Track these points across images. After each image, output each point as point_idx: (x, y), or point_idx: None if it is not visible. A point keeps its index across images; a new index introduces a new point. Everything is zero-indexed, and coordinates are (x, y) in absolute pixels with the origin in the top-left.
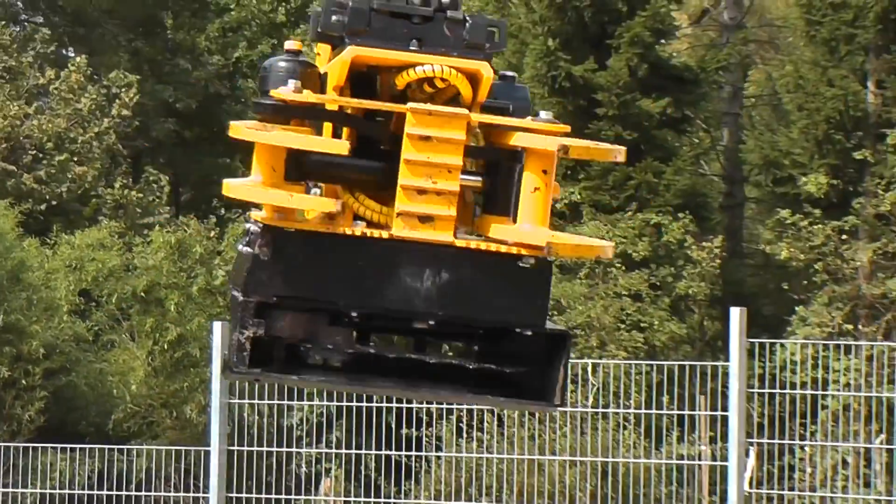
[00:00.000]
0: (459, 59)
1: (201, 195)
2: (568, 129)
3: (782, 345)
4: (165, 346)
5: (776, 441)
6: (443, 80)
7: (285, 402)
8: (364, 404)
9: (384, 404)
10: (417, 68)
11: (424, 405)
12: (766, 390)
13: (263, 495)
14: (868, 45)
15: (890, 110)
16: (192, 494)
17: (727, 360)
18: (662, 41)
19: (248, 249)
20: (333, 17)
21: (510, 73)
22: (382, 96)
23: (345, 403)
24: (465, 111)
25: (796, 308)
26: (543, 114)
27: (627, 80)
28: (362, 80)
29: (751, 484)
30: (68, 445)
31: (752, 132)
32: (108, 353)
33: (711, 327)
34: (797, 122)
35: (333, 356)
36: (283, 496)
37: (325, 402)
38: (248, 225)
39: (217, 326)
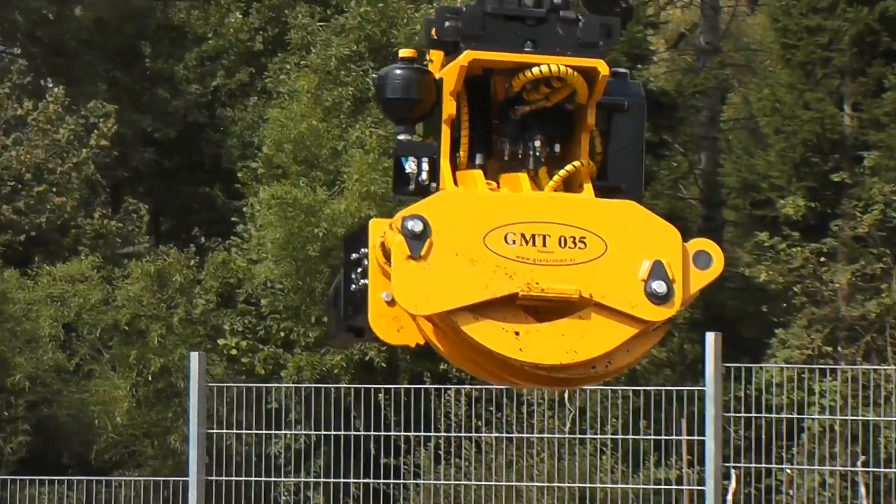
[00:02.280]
0: (575, 58)
1: (181, 224)
2: None
3: (762, 368)
4: (150, 378)
5: (756, 465)
6: (559, 79)
7: (264, 431)
8: (343, 433)
9: (363, 433)
10: (534, 68)
11: (402, 433)
12: (745, 414)
13: None
14: (844, 69)
15: (866, 132)
16: None
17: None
18: (640, 66)
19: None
20: (447, 23)
21: (622, 70)
22: (497, 99)
23: (324, 432)
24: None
25: (776, 331)
26: None
27: None
28: (477, 84)
29: None
30: (51, 478)
31: (729, 156)
32: (89, 383)
33: (692, 351)
34: (774, 146)
35: None
36: None
37: (306, 432)
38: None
39: (194, 357)
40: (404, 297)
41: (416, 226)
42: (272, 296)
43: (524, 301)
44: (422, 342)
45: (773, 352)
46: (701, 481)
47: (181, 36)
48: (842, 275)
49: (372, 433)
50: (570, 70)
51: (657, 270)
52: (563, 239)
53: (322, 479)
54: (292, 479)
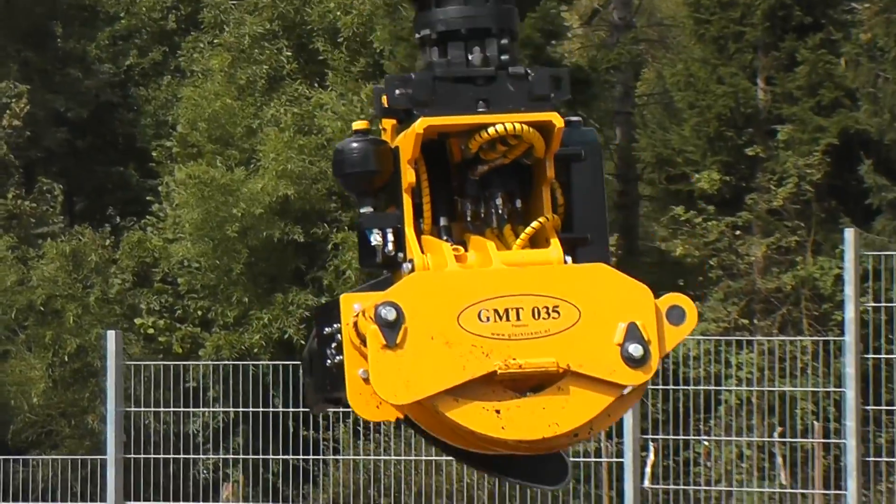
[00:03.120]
0: (528, 114)
1: (95, 204)
2: None
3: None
4: (66, 358)
5: (674, 436)
6: (515, 136)
7: (182, 408)
8: (262, 409)
9: (281, 409)
10: (489, 128)
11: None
12: (662, 387)
13: (162, 503)
14: (756, 43)
15: (780, 106)
16: (89, 503)
17: None
18: (553, 42)
19: None
20: (398, 91)
21: (574, 118)
22: (455, 162)
23: (242, 409)
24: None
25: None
26: None
27: None
28: (434, 148)
29: (651, 479)
30: None
31: (644, 131)
32: (5, 364)
33: None
34: (689, 120)
35: None
36: (183, 502)
37: (224, 409)
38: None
39: (111, 335)
40: (383, 387)
41: (390, 314)
42: (189, 275)
43: (503, 377)
44: (401, 416)
45: None
46: (619, 454)
47: (93, 16)
48: (757, 248)
49: (291, 409)
50: (524, 126)
51: (632, 333)
52: (536, 310)
53: (241, 456)
54: (211, 457)
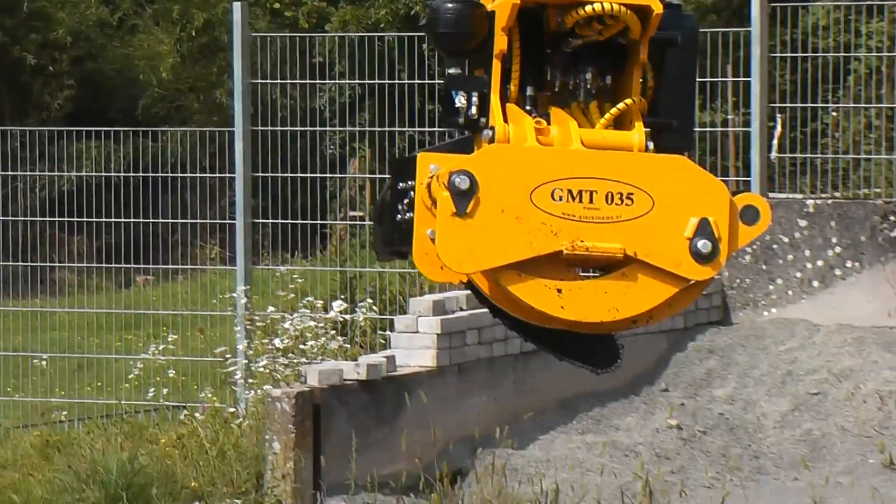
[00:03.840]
0: None
1: None
2: None
3: (808, 9)
4: (193, 33)
5: (802, 105)
6: (613, 16)
7: (308, 81)
8: (388, 82)
9: (407, 82)
10: (587, 6)
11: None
12: (790, 54)
13: (290, 174)
14: None
15: None
16: (218, 175)
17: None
18: None
19: None
20: None
21: (675, 2)
22: (549, 31)
23: (369, 82)
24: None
25: None
26: None
27: None
28: (529, 17)
29: (779, 149)
30: (98, 129)
31: None
32: (133, 38)
33: None
34: None
35: None
36: (310, 174)
37: (350, 82)
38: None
39: (237, 7)
40: (447, 254)
41: (463, 182)
42: None
43: (568, 258)
44: (464, 280)
45: None
46: (746, 123)
47: None
48: None
49: (416, 82)
50: (623, 7)
51: (703, 228)
52: (609, 195)
53: (367, 128)
54: (338, 128)
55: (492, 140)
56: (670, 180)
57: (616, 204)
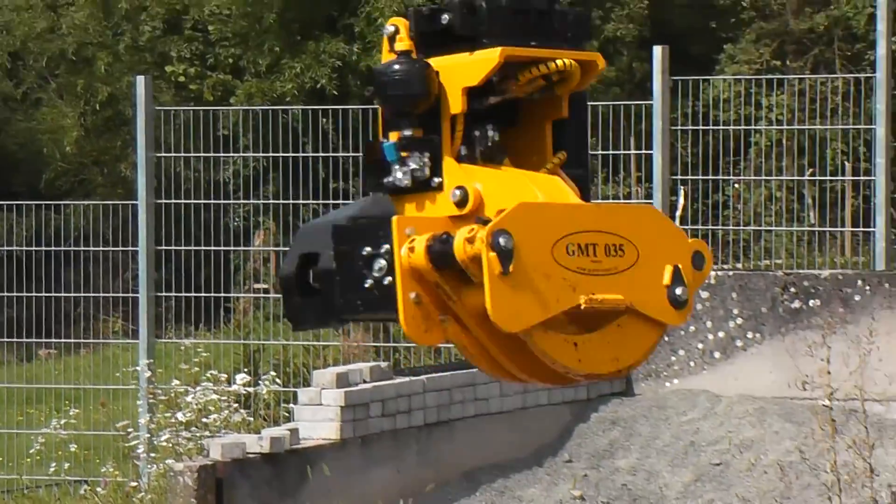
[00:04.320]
0: (578, 52)
1: None
2: None
3: (710, 82)
4: (97, 106)
5: (703, 177)
6: (561, 73)
7: (212, 154)
8: (292, 155)
9: (311, 155)
10: (549, 63)
11: (352, 155)
12: (693, 127)
13: (193, 247)
14: None
15: None
16: (121, 248)
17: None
18: None
19: None
20: (461, 16)
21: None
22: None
23: (273, 155)
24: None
25: (724, 46)
26: None
27: None
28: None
29: (681, 221)
30: (2, 202)
31: None
32: (37, 111)
33: (641, 69)
34: None
35: None
36: (214, 247)
37: (254, 154)
38: None
39: (140, 81)
40: (501, 314)
41: (509, 242)
42: (220, 22)
43: (585, 311)
44: (444, 341)
45: (721, 67)
46: (649, 196)
47: None
48: None
49: (321, 154)
50: (573, 63)
51: (677, 275)
52: (608, 247)
53: (272, 201)
54: (242, 201)
55: (462, 200)
56: (647, 229)
57: (612, 255)
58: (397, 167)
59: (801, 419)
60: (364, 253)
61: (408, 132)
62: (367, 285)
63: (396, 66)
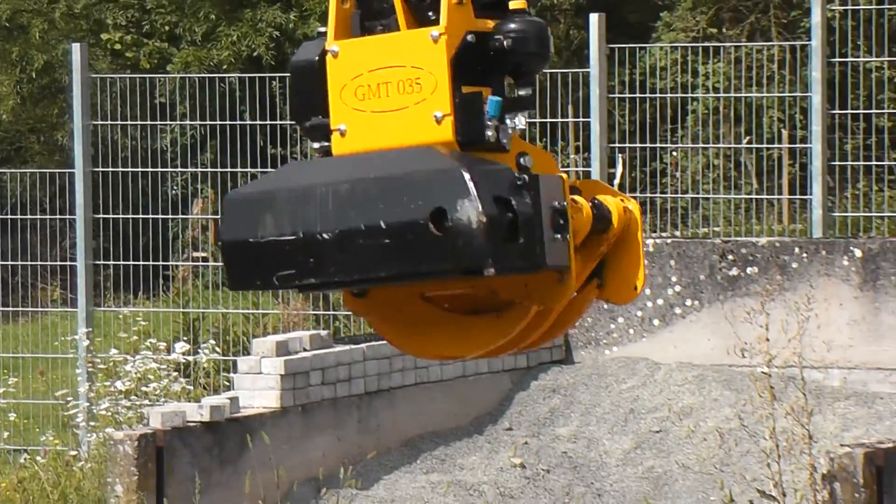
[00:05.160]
0: None
1: None
2: None
3: (647, 50)
4: (33, 74)
5: (641, 145)
6: None
7: (149, 122)
8: (229, 122)
9: (249, 123)
10: None
11: (290, 122)
12: (630, 95)
13: (132, 215)
14: None
15: None
16: (59, 217)
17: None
18: None
19: None
20: None
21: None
22: None
23: (210, 123)
24: None
25: (661, 14)
26: None
27: None
28: None
29: (619, 189)
30: None
31: None
32: None
33: (577, 36)
34: None
35: None
36: (152, 215)
37: (192, 123)
38: None
39: (76, 48)
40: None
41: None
42: None
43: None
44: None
45: (658, 35)
46: (587, 164)
47: None
48: None
49: (258, 123)
50: None
51: None
52: None
53: (210, 169)
54: (180, 170)
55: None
56: None
57: None
58: (491, 123)
59: (740, 386)
60: (555, 205)
61: (524, 91)
62: (554, 236)
63: (531, 24)
